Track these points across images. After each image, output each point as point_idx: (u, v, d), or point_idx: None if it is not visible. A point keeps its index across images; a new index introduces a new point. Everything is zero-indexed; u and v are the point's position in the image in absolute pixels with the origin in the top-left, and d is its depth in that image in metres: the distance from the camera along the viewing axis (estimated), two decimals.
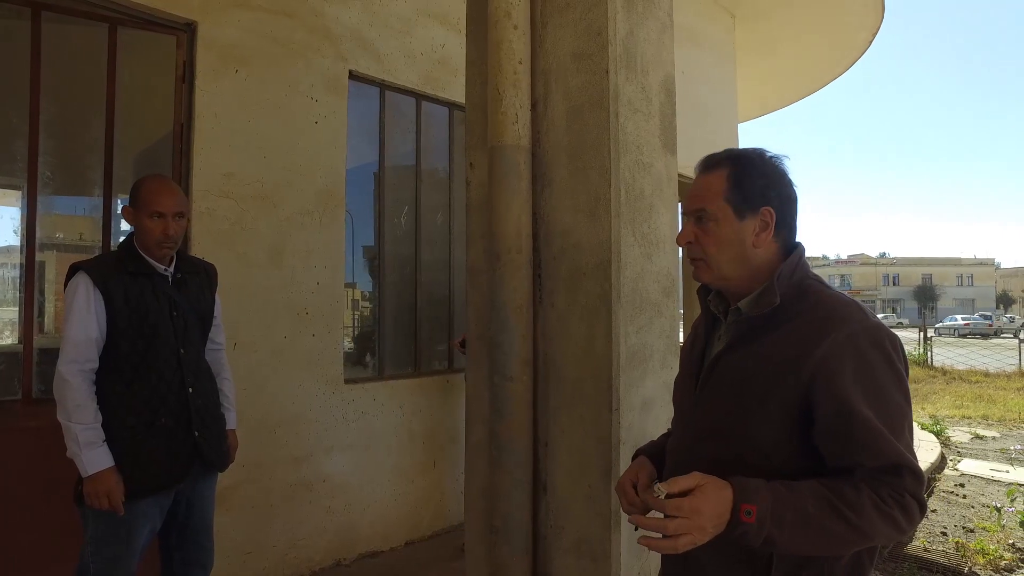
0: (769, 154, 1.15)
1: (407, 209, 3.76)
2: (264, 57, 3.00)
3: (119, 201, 2.81)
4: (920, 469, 0.99)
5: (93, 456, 1.78)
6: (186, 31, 2.79)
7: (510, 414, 1.98)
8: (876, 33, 6.67)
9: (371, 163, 3.58)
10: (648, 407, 1.99)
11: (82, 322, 1.81)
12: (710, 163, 1.16)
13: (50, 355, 2.87)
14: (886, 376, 1.00)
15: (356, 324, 3.71)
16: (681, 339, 2.25)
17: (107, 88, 2.61)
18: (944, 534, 4.05)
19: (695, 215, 1.14)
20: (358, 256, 3.64)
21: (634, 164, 1.97)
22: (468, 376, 2.27)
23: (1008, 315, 54.22)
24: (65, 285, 1.86)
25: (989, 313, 46.01)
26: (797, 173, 1.20)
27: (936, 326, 36.63)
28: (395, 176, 3.72)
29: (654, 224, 2.04)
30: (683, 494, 0.95)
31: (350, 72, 3.36)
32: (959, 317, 40.48)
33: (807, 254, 1.20)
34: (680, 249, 2.22)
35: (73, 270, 1.86)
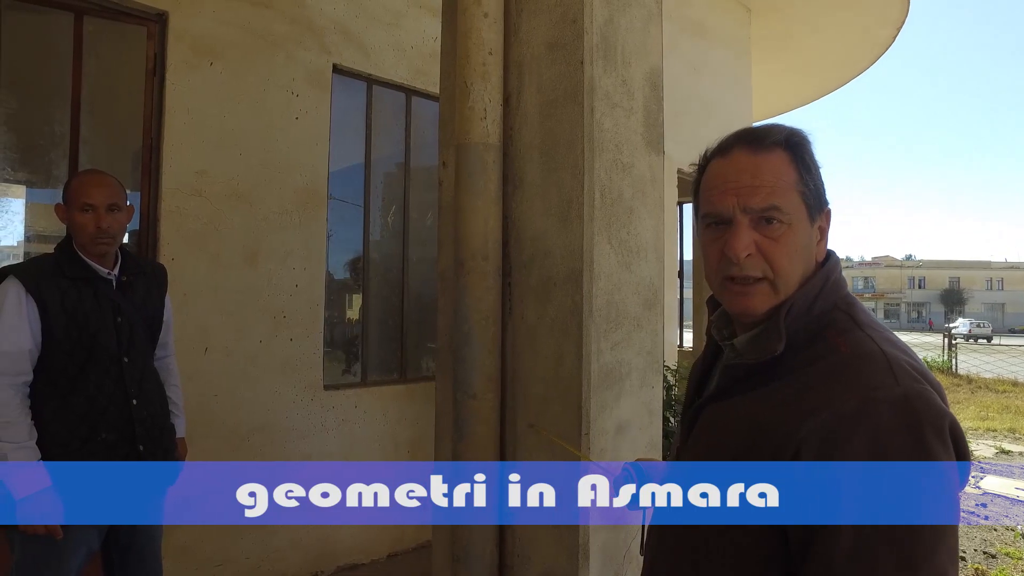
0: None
1: (395, 208, 3.62)
2: (240, 49, 2.88)
3: None
4: None
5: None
6: (156, 21, 2.67)
7: (471, 434, 1.82)
8: (900, 29, 6.39)
9: (357, 160, 3.44)
10: (623, 431, 1.82)
11: (12, 331, 1.67)
12: (761, 139, 0.82)
13: None
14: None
15: (338, 328, 3.57)
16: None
17: (72, 81, 2.50)
18: (962, 559, 3.80)
19: (761, 215, 0.80)
20: (342, 257, 3.50)
21: (611, 164, 1.80)
22: (437, 389, 2.12)
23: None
24: None
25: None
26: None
27: None
28: (383, 174, 3.59)
29: (634, 230, 1.87)
30: None
31: (334, 66, 3.22)
32: None
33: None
34: (663, 257, 2.06)
35: (2, 275, 1.72)
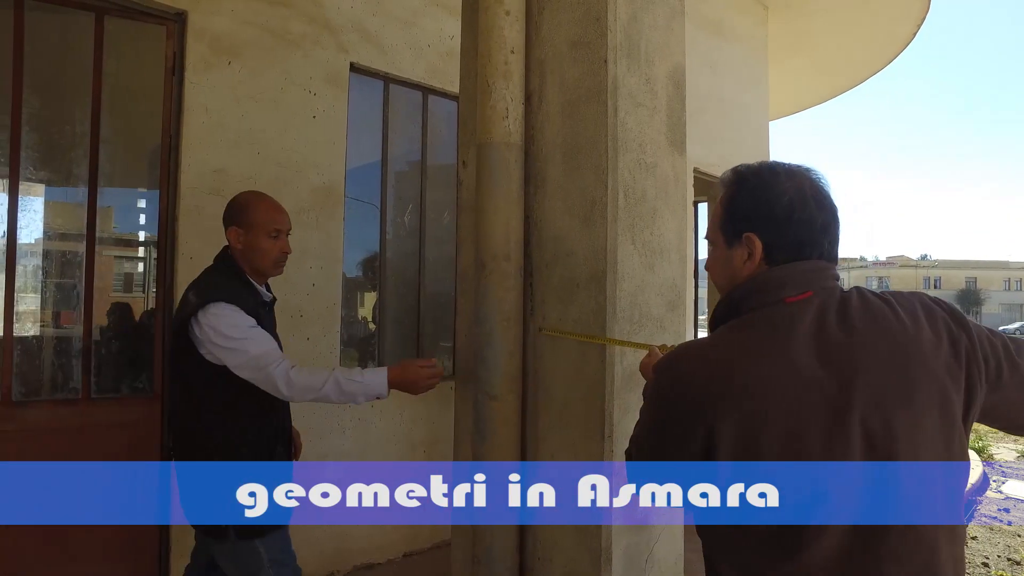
0: (780, 168, 1.03)
1: (411, 207, 3.61)
2: (258, 48, 2.88)
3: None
4: None
5: (370, 377, 1.75)
6: (176, 21, 2.67)
7: (492, 434, 1.81)
8: (921, 25, 6.29)
9: (374, 159, 3.44)
10: None
11: (258, 334, 1.74)
12: (720, 183, 1.10)
13: (30, 352, 2.81)
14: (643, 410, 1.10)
15: (355, 327, 3.57)
16: None
17: (93, 80, 2.51)
18: (985, 565, 3.74)
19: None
20: (358, 256, 3.50)
21: (635, 164, 1.77)
22: (456, 390, 2.11)
23: None
24: (194, 313, 1.71)
25: None
26: (832, 173, 1.02)
27: None
28: (399, 173, 3.58)
29: (658, 231, 1.84)
30: None
31: (351, 64, 3.22)
32: None
33: (844, 255, 1.03)
34: (686, 258, 2.03)
35: (205, 298, 1.72)
